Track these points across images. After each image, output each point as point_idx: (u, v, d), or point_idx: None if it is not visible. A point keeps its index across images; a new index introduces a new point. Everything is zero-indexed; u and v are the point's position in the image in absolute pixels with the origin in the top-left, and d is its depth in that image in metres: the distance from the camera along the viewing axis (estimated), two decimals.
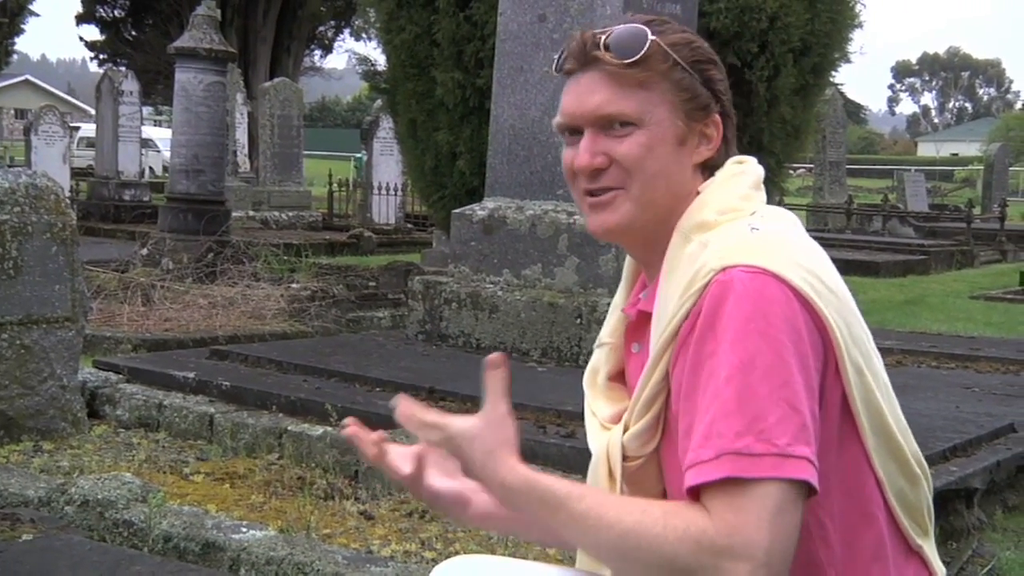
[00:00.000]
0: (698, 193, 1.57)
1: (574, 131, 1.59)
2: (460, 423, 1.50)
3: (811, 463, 1.35)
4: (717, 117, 1.59)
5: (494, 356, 1.52)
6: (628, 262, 1.73)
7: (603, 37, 1.56)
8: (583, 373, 1.74)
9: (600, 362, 1.71)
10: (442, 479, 1.61)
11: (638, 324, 1.62)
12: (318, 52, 35.30)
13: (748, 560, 1.32)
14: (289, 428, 4.44)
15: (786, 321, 1.39)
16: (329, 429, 4.35)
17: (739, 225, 1.50)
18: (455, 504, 1.64)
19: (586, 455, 1.63)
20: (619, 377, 1.69)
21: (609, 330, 1.72)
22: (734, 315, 1.40)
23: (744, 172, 1.60)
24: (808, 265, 1.44)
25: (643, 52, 1.53)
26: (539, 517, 1.45)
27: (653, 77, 1.55)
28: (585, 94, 1.57)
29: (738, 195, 1.56)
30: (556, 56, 1.63)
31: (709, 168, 1.60)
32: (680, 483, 1.43)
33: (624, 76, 1.54)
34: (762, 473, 1.34)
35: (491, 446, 1.48)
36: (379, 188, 16.84)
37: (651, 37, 1.54)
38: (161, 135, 33.10)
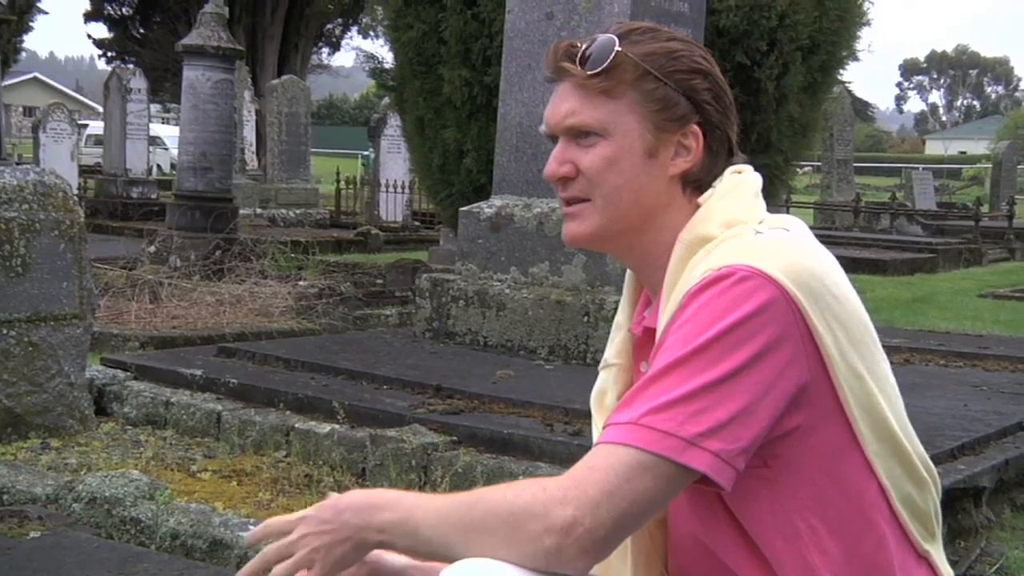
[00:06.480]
0: (698, 206, 1.56)
1: (554, 139, 1.61)
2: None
3: (716, 457, 1.35)
4: (696, 128, 1.55)
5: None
6: (628, 279, 1.71)
7: (577, 47, 1.57)
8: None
9: (608, 383, 1.69)
10: None
11: (645, 342, 1.60)
12: (326, 50, 35.27)
13: (575, 508, 1.34)
14: (296, 426, 4.44)
15: (764, 323, 1.38)
16: (336, 427, 4.35)
17: (744, 232, 1.49)
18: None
19: None
20: None
21: (615, 351, 1.70)
22: (710, 303, 1.40)
23: (744, 182, 1.58)
24: (810, 268, 1.43)
25: (607, 63, 1.53)
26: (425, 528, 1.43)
27: (619, 87, 1.54)
28: (558, 104, 1.59)
29: (741, 206, 1.55)
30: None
31: (691, 181, 1.57)
32: (685, 502, 1.44)
33: (589, 87, 1.55)
34: (659, 451, 1.35)
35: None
36: (386, 186, 16.84)
37: (617, 48, 1.53)
38: (169, 132, 33.18)
